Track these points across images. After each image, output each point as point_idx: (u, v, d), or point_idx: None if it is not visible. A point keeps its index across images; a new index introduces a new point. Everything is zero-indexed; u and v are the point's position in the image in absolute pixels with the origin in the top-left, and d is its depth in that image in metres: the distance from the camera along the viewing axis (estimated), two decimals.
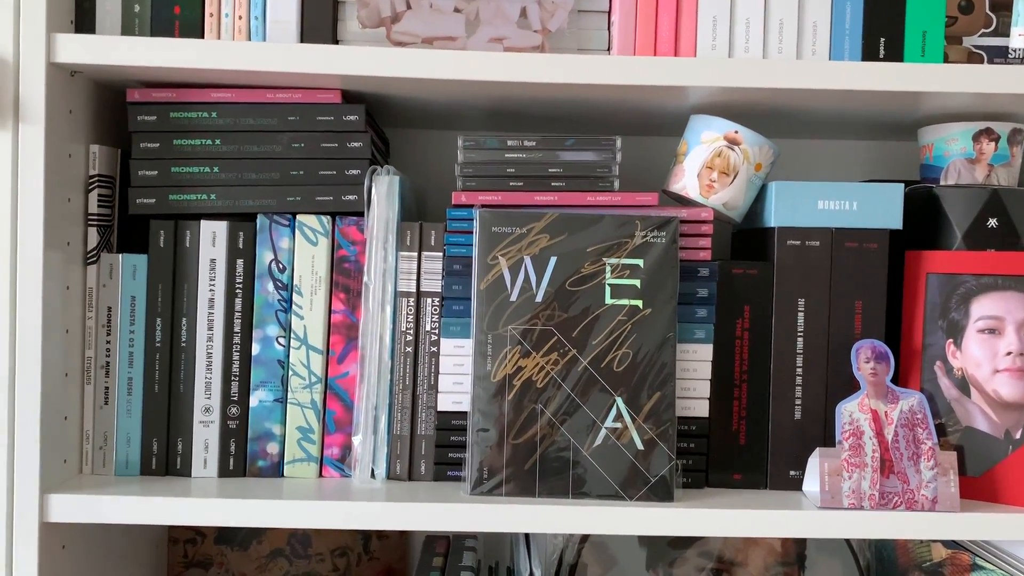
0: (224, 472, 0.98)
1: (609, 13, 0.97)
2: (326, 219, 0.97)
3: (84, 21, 0.93)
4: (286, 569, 1.24)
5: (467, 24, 0.94)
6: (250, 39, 0.94)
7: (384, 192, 0.96)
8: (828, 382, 0.97)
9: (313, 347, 0.97)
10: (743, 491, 0.98)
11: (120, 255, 0.97)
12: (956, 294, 0.97)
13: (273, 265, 0.97)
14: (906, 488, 0.92)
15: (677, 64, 0.92)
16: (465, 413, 0.96)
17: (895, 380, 0.97)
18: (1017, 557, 1.00)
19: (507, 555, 1.26)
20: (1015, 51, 0.98)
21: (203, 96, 0.97)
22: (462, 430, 0.96)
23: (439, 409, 0.97)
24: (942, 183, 1.03)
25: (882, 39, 0.95)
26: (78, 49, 0.89)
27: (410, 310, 0.97)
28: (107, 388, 0.97)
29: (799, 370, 0.97)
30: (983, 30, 0.99)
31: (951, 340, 0.97)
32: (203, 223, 0.97)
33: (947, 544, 1.07)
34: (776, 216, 0.98)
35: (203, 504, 0.90)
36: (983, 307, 0.96)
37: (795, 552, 1.15)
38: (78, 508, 0.90)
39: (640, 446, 0.93)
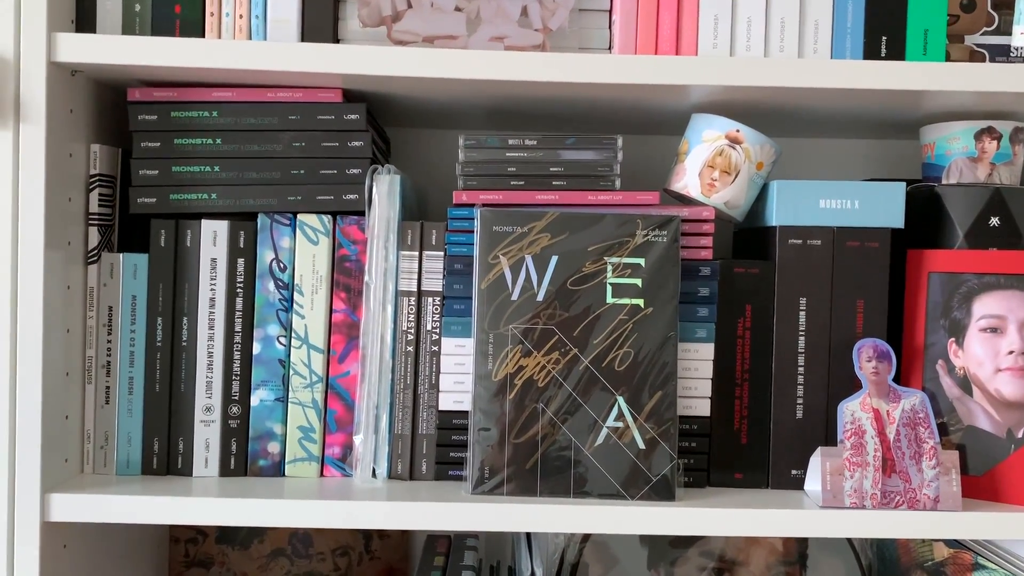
0: (225, 471, 0.98)
1: (610, 12, 0.96)
2: (327, 218, 0.97)
3: (85, 20, 0.93)
4: (287, 568, 1.24)
5: (468, 23, 0.94)
6: (251, 38, 0.94)
7: (385, 191, 0.96)
8: (830, 381, 0.97)
9: (314, 346, 0.97)
10: (745, 490, 0.97)
11: (121, 254, 0.97)
12: (958, 293, 0.97)
13: (274, 264, 0.97)
14: (908, 487, 0.92)
15: (678, 63, 0.92)
16: (466, 412, 0.96)
17: (897, 379, 0.97)
18: (1019, 556, 1.00)
19: (508, 554, 1.26)
20: (1017, 49, 0.98)
21: (204, 95, 0.97)
22: (463, 429, 0.96)
23: (440, 408, 0.97)
24: (944, 182, 1.03)
25: (884, 38, 0.95)
26: (79, 48, 0.89)
27: (411, 309, 0.97)
28: (108, 387, 0.97)
29: (801, 369, 0.97)
30: (985, 28, 0.99)
31: (953, 339, 0.97)
32: (204, 222, 0.97)
33: (949, 543, 1.06)
34: (778, 215, 0.97)
35: (204, 503, 0.90)
36: (985, 306, 0.96)
37: (797, 551, 1.15)
38: (79, 507, 0.90)
39: (641, 445, 0.93)
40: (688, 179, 1.01)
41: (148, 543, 1.17)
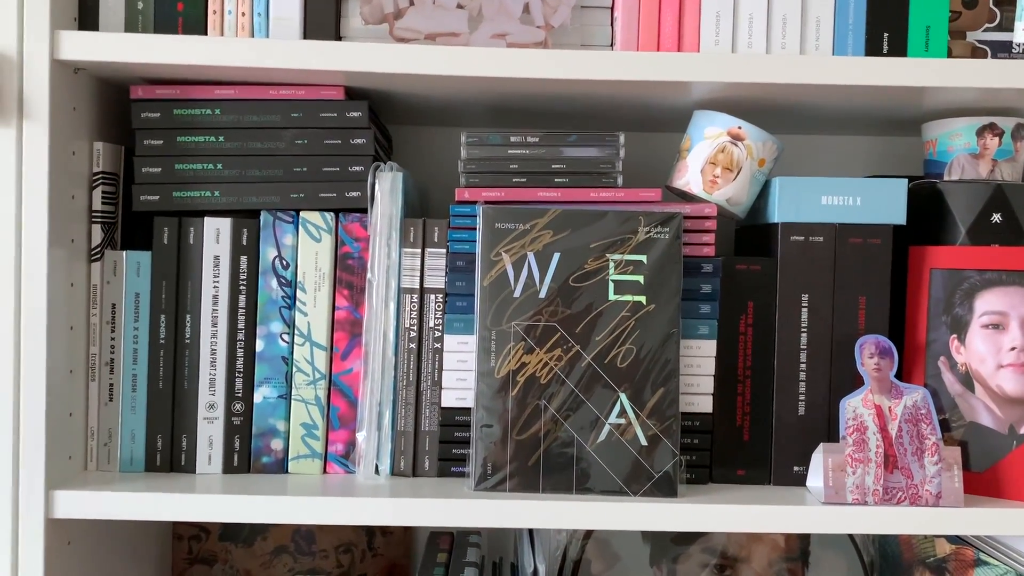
0: (228, 468, 0.98)
1: (612, 9, 0.96)
2: (329, 216, 0.97)
3: (87, 18, 0.93)
4: (290, 565, 1.24)
5: (470, 20, 0.94)
6: (253, 36, 0.94)
7: (387, 188, 0.96)
8: (832, 378, 0.97)
9: (317, 343, 0.98)
10: (747, 487, 0.98)
11: (124, 252, 0.97)
12: (960, 289, 0.97)
13: (277, 262, 0.97)
14: (910, 483, 0.92)
15: (680, 60, 0.92)
16: (469, 409, 0.96)
17: (899, 375, 0.97)
18: (1021, 552, 1.00)
19: (511, 551, 1.26)
20: (1019, 46, 0.98)
21: (206, 93, 0.97)
22: (466, 426, 0.97)
23: (443, 405, 0.97)
24: (946, 178, 1.03)
25: (885, 34, 0.95)
26: (82, 46, 0.89)
27: (414, 306, 0.97)
28: (111, 385, 0.97)
29: (803, 366, 0.97)
30: (987, 25, 0.99)
31: (955, 335, 0.97)
32: (207, 220, 0.97)
33: (951, 539, 1.07)
34: (780, 212, 0.97)
35: (208, 500, 0.90)
36: (987, 302, 0.96)
37: (799, 548, 1.15)
38: (83, 504, 0.90)
39: (644, 442, 0.93)
40: (690, 176, 1.01)
41: (152, 540, 1.18)
